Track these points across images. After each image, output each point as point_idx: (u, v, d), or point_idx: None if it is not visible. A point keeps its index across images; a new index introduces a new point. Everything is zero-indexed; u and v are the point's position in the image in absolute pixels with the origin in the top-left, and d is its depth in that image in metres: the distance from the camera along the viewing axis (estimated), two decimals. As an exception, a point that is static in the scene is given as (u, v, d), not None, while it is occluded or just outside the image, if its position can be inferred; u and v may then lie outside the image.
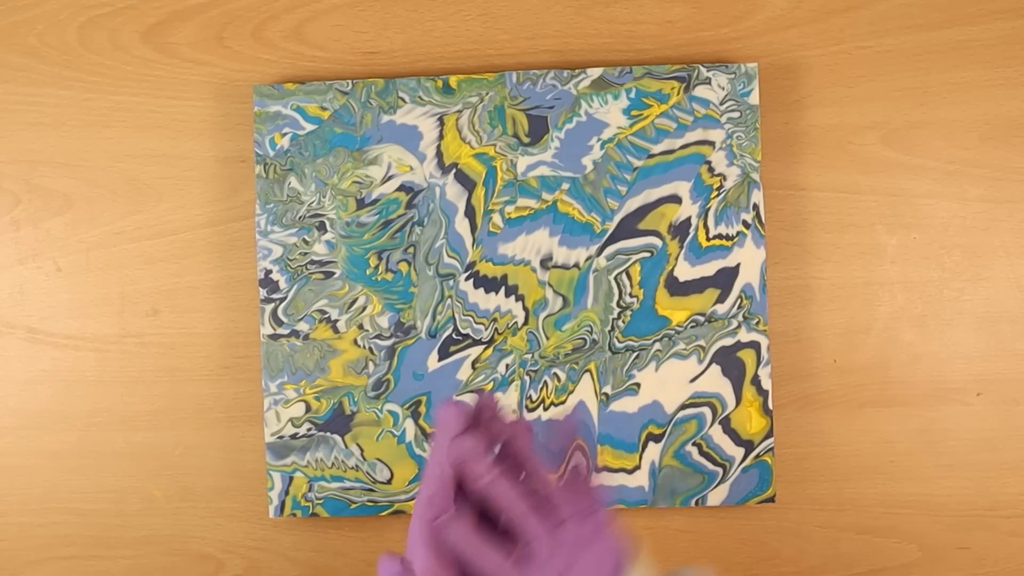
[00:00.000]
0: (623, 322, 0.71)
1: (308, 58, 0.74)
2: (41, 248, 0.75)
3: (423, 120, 0.72)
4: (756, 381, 0.71)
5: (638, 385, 0.71)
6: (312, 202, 0.71)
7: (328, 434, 0.72)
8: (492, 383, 0.71)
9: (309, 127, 0.72)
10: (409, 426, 0.72)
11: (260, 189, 0.72)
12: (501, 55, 0.74)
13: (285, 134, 0.72)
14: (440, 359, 0.72)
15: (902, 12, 0.74)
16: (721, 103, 0.71)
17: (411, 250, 0.72)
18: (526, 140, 0.72)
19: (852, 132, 0.74)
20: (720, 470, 0.71)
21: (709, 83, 0.71)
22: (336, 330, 0.72)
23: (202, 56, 0.75)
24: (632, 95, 0.71)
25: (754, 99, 0.71)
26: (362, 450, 0.72)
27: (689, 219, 0.71)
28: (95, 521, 0.75)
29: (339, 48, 0.74)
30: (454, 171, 0.71)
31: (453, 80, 0.72)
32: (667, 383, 0.71)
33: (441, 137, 0.72)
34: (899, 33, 0.74)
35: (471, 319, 0.71)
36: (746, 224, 0.71)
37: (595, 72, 0.71)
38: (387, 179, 0.72)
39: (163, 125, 0.75)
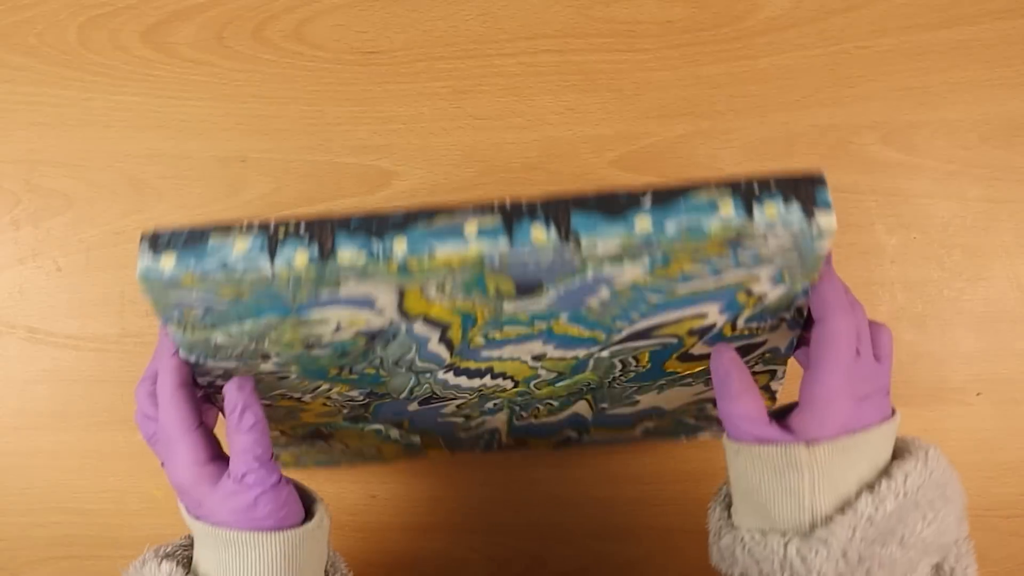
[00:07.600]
0: (625, 377, 0.59)
1: (308, 58, 0.74)
2: (41, 248, 0.75)
3: (376, 288, 0.46)
4: (756, 382, 0.70)
5: (638, 401, 0.64)
6: (245, 350, 0.51)
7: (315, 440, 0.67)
8: (479, 412, 0.63)
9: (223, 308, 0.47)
10: (393, 433, 0.66)
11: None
12: (501, 55, 0.74)
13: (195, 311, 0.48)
14: (421, 405, 0.61)
15: (902, 12, 0.74)
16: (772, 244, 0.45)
17: (378, 361, 0.53)
18: (514, 296, 0.48)
19: (852, 132, 0.74)
20: (720, 471, 0.70)
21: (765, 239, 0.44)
22: (302, 402, 0.59)
23: (202, 56, 0.75)
24: (659, 257, 0.45)
25: (821, 249, 0.45)
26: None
27: (714, 324, 0.53)
28: (95, 521, 0.75)
29: (339, 48, 0.74)
30: (422, 318, 0.49)
31: (413, 262, 0.44)
32: (669, 398, 0.64)
33: (402, 300, 0.47)
34: (899, 33, 0.74)
35: (453, 392, 0.59)
36: (783, 319, 0.53)
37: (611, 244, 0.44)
38: (338, 331, 0.50)
39: (163, 125, 0.75)
